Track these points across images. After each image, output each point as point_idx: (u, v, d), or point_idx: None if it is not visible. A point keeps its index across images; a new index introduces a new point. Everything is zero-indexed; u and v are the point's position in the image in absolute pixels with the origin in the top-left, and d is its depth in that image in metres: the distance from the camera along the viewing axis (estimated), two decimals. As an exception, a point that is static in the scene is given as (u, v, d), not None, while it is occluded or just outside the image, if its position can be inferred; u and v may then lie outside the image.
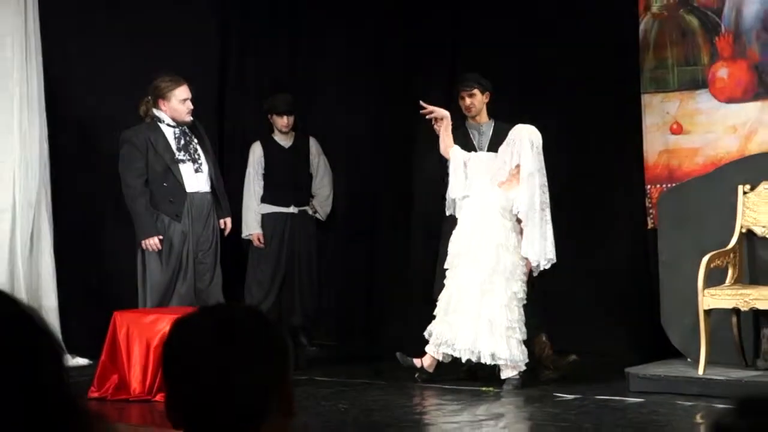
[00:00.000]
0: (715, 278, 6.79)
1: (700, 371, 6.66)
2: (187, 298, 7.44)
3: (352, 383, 7.24)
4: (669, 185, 7.64)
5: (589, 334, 7.74)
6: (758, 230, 6.99)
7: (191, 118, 7.51)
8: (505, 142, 7.12)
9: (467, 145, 7.45)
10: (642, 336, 7.83)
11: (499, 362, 6.88)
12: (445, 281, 7.13)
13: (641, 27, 7.82)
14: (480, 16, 8.66)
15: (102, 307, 7.54)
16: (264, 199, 8.69)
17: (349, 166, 9.21)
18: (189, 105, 7.46)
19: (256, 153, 8.71)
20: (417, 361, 7.18)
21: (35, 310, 1.24)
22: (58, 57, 8.28)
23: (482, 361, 6.90)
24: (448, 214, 7.35)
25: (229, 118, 9.40)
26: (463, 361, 6.98)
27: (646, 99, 7.82)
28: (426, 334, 7.10)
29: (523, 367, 6.93)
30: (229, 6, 9.32)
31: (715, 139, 7.56)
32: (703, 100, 7.61)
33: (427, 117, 7.41)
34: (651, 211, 7.74)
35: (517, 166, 7.04)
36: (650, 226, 7.74)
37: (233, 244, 8.52)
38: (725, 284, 6.86)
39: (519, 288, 6.94)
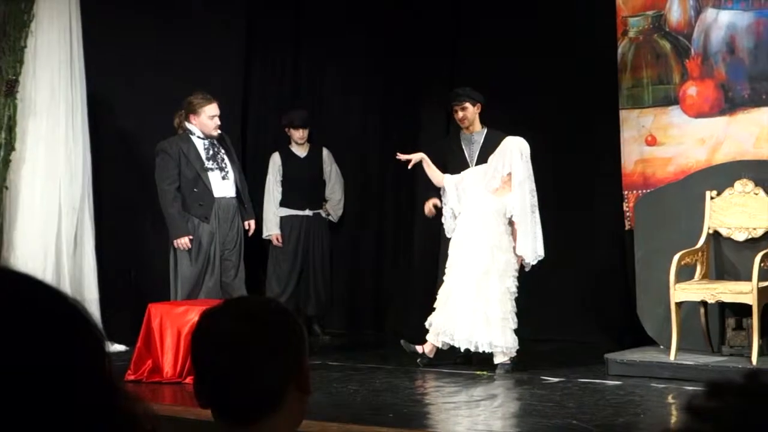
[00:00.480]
0: (685, 274, 6.80)
1: (672, 357, 6.67)
2: (214, 291, 7.46)
3: (361, 367, 7.25)
4: (644, 191, 7.64)
5: (573, 324, 7.76)
6: (723, 231, 7.00)
7: (218, 132, 7.53)
8: (496, 152, 7.13)
9: (460, 158, 7.47)
10: (620, 325, 7.83)
11: (495, 350, 6.90)
12: (444, 277, 7.15)
13: (619, 50, 7.82)
14: (476, 37, 8.67)
15: (138, 300, 7.57)
16: (282, 203, 8.72)
17: (359, 173, 9.22)
18: (216, 121, 7.49)
19: (276, 162, 8.74)
20: (419, 348, 7.20)
21: (80, 303, 1.25)
22: (100, 76, 8.30)
23: (480, 349, 6.92)
24: (448, 236, 7.32)
25: (252, 131, 9.43)
26: (462, 350, 7.00)
27: (624, 114, 7.83)
28: (427, 324, 7.12)
29: (515, 354, 6.95)
30: (252, 34, 9.34)
31: (686, 150, 7.57)
32: (674, 115, 7.61)
33: (408, 166, 7.40)
34: (628, 214, 7.74)
35: (509, 174, 7.06)
36: (627, 227, 7.74)
37: (255, 244, 8.55)
38: (694, 279, 6.87)
39: (511, 283, 6.96)
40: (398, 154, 7.43)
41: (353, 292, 9.29)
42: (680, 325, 6.67)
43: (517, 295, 6.99)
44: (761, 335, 6.49)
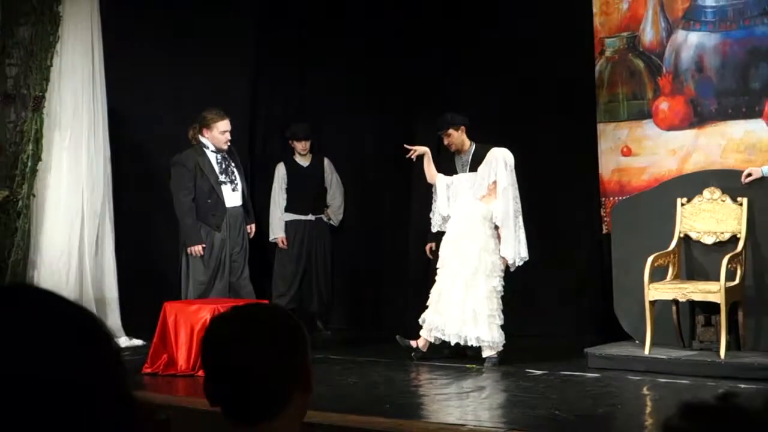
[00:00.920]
0: (658, 274, 6.75)
1: (646, 351, 6.63)
2: (223, 291, 7.47)
3: (360, 361, 7.20)
4: (620, 198, 7.60)
5: (555, 321, 7.72)
6: (693, 235, 6.95)
7: (226, 148, 7.51)
8: (483, 162, 7.11)
9: (451, 167, 7.42)
10: (598, 322, 7.79)
11: (483, 344, 6.85)
12: (436, 277, 7.11)
13: (597, 68, 7.79)
14: (466, 56, 8.64)
15: (154, 298, 7.51)
16: (287, 209, 8.68)
17: (358, 180, 9.19)
18: (227, 136, 7.48)
19: (280, 171, 8.71)
20: (413, 343, 7.15)
21: (99, 318, 1.21)
22: (119, 92, 8.28)
23: (469, 344, 6.87)
24: (434, 231, 7.33)
25: (259, 143, 9.39)
26: (452, 344, 6.96)
27: (601, 127, 7.79)
28: (420, 320, 7.08)
29: (501, 348, 6.90)
30: (259, 53, 9.31)
31: (658, 161, 7.53)
32: (648, 128, 7.57)
33: (411, 157, 7.35)
34: (606, 219, 7.70)
35: (494, 182, 7.03)
36: (605, 231, 7.70)
37: (261, 246, 8.51)
38: (667, 280, 6.82)
39: (498, 283, 6.92)
40: (405, 146, 7.35)
41: (353, 291, 9.25)
42: (654, 322, 6.63)
43: (503, 293, 6.95)
44: (728, 331, 6.44)
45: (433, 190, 7.36)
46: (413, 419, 5.40)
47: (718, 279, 6.43)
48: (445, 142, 7.40)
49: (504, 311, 6.93)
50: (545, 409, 5.55)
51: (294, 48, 9.42)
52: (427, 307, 7.09)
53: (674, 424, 1.05)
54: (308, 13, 9.27)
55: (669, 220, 6.97)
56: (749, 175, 6.75)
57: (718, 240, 6.86)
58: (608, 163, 7.75)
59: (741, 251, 6.66)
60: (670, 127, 7.49)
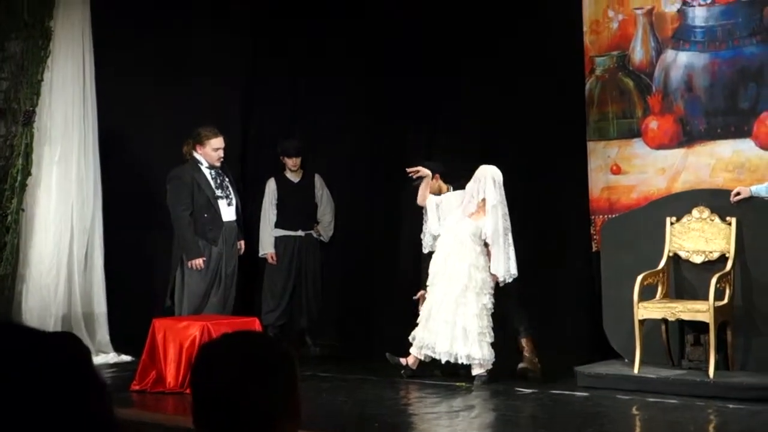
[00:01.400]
0: (647, 293, 6.74)
1: (636, 370, 6.61)
2: (218, 306, 7.50)
3: (350, 378, 7.16)
4: (610, 216, 7.60)
5: (544, 339, 7.66)
6: (683, 254, 6.95)
7: (218, 164, 7.56)
8: (472, 179, 7.10)
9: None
10: (588, 340, 7.77)
11: (473, 362, 6.83)
12: (426, 295, 7.09)
13: (587, 86, 7.80)
14: (457, 73, 8.64)
15: (143, 314, 7.47)
16: (277, 225, 8.66)
17: (348, 197, 9.17)
18: (220, 154, 7.53)
19: (271, 187, 8.70)
20: (403, 360, 7.13)
21: (86, 348, 1.22)
22: (110, 107, 8.25)
23: (459, 362, 6.85)
24: (426, 251, 7.32)
25: (250, 158, 9.38)
26: (443, 362, 6.93)
27: (591, 145, 7.80)
28: (410, 338, 7.06)
29: (491, 366, 6.87)
30: (252, 72, 9.31)
31: (648, 179, 7.53)
32: (637, 146, 7.58)
33: (413, 176, 7.35)
34: (595, 237, 7.69)
35: (483, 200, 7.02)
36: (594, 249, 7.69)
37: (251, 262, 8.48)
38: (656, 298, 6.81)
39: (488, 300, 6.91)
40: (408, 168, 7.35)
41: (342, 307, 9.22)
42: (643, 341, 6.62)
43: (493, 311, 6.93)
44: (717, 350, 6.43)
45: (424, 211, 7.37)
46: (402, 439, 5.37)
47: (707, 298, 6.42)
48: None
49: (494, 328, 6.91)
50: (534, 428, 5.53)
51: (286, 64, 9.41)
52: (417, 325, 7.06)
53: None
54: (300, 30, 9.27)
55: (658, 238, 6.96)
56: (738, 194, 6.75)
57: (707, 259, 6.85)
58: (598, 181, 7.75)
59: (730, 270, 6.65)
60: (660, 146, 7.50)
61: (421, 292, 7.37)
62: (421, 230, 8.38)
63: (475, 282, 6.88)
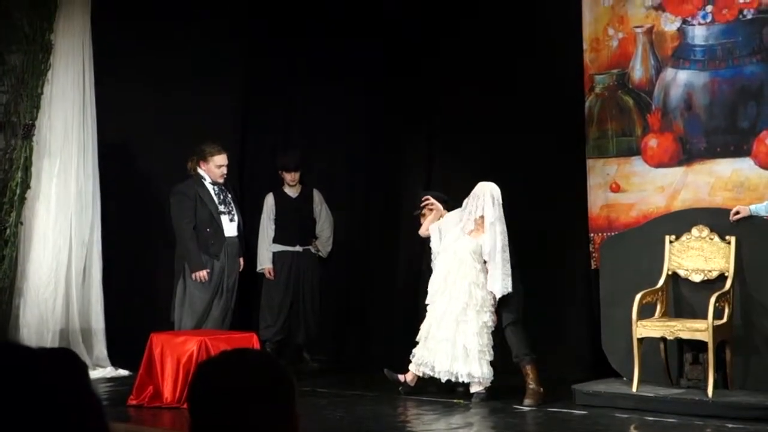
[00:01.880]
0: (646, 312, 6.72)
1: (634, 388, 6.58)
2: (219, 320, 7.53)
3: (347, 394, 7.14)
4: (609, 234, 7.60)
5: (543, 356, 7.64)
6: (682, 273, 6.93)
7: (222, 180, 7.63)
8: (470, 195, 7.07)
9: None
10: (586, 358, 7.76)
11: (473, 380, 6.80)
12: (426, 313, 7.07)
13: (587, 104, 7.81)
14: (455, 93, 8.65)
15: (141, 329, 7.45)
16: (275, 240, 8.64)
17: (347, 212, 9.17)
18: (223, 171, 7.61)
19: (269, 202, 8.69)
20: (401, 377, 7.10)
21: (83, 365, 1.22)
22: (110, 121, 8.25)
23: (459, 380, 6.82)
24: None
25: (248, 173, 9.37)
26: (443, 381, 6.90)
27: (590, 163, 7.80)
28: (411, 356, 7.04)
29: (489, 384, 6.84)
30: (250, 85, 9.31)
31: (647, 197, 7.53)
32: (636, 164, 7.58)
33: (425, 205, 7.32)
34: (594, 254, 7.69)
35: (481, 217, 7.00)
36: (593, 267, 7.68)
37: (249, 277, 8.47)
38: (655, 317, 6.80)
39: (488, 318, 6.88)
40: (424, 196, 7.34)
41: (340, 323, 9.20)
42: (642, 359, 6.60)
43: (493, 329, 6.90)
44: (716, 369, 6.41)
45: (429, 240, 7.31)
46: (400, 456, 5.35)
47: (705, 317, 6.41)
48: (422, 221, 7.41)
49: (493, 347, 6.89)
50: (532, 446, 5.51)
51: (284, 78, 9.42)
52: (417, 342, 7.04)
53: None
54: (298, 43, 9.28)
55: (657, 257, 6.95)
56: (737, 213, 6.75)
57: (706, 278, 6.84)
58: (597, 199, 7.75)
59: (729, 290, 6.64)
60: (659, 164, 7.50)
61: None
62: (416, 247, 8.38)
63: (476, 300, 6.86)
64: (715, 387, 6.36)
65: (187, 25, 8.67)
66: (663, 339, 6.68)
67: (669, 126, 7.47)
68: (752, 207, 6.74)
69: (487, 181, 7.13)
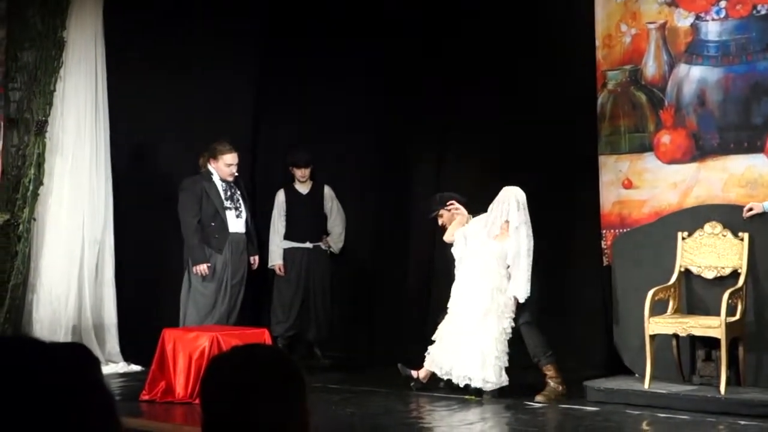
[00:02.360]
0: (658, 308, 6.71)
1: (646, 385, 6.57)
2: (225, 316, 7.55)
3: (359, 390, 7.14)
4: (621, 230, 7.57)
5: (555, 353, 7.64)
6: (694, 269, 6.92)
7: (232, 179, 7.67)
8: (496, 200, 7.04)
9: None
10: (598, 355, 7.74)
11: (486, 386, 6.78)
12: (447, 313, 7.04)
13: (599, 101, 7.78)
14: (467, 89, 8.64)
15: (153, 325, 7.47)
16: (286, 236, 8.66)
17: (359, 208, 9.17)
18: (232, 169, 7.66)
19: (280, 199, 8.70)
20: (414, 373, 7.10)
21: (96, 360, 1.23)
22: (122, 118, 8.28)
23: (473, 385, 6.80)
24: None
25: (260, 169, 9.38)
26: (461, 386, 6.87)
27: (603, 159, 7.77)
28: (426, 353, 7.03)
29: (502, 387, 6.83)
30: (262, 82, 9.32)
31: (659, 194, 7.50)
32: (649, 161, 7.55)
33: (450, 209, 7.27)
34: (606, 251, 7.66)
35: (507, 222, 6.97)
36: (606, 263, 7.65)
37: (258, 273, 8.50)
38: (667, 313, 6.78)
39: (507, 324, 6.86)
40: (449, 200, 7.28)
41: (351, 319, 9.20)
42: (654, 356, 6.58)
43: (511, 335, 6.87)
44: (728, 366, 6.39)
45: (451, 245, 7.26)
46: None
47: (718, 314, 6.39)
48: (439, 222, 7.37)
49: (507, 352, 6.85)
50: (544, 443, 5.50)
51: (296, 74, 9.43)
52: (432, 341, 7.03)
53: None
54: (311, 39, 9.29)
55: (670, 253, 6.93)
56: (750, 209, 6.72)
57: (718, 275, 6.82)
58: (609, 196, 7.72)
59: (742, 286, 6.62)
60: (672, 161, 7.47)
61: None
62: (428, 243, 8.38)
63: (497, 305, 6.84)
64: (727, 384, 6.34)
65: (199, 21, 8.68)
66: (675, 336, 6.67)
67: (682, 122, 7.44)
68: (766, 203, 6.72)
69: (507, 178, 7.11)
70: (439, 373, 6.94)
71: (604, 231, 7.74)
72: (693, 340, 6.69)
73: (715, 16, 7.30)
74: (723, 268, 6.81)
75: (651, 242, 7.10)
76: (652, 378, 6.56)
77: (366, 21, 9.02)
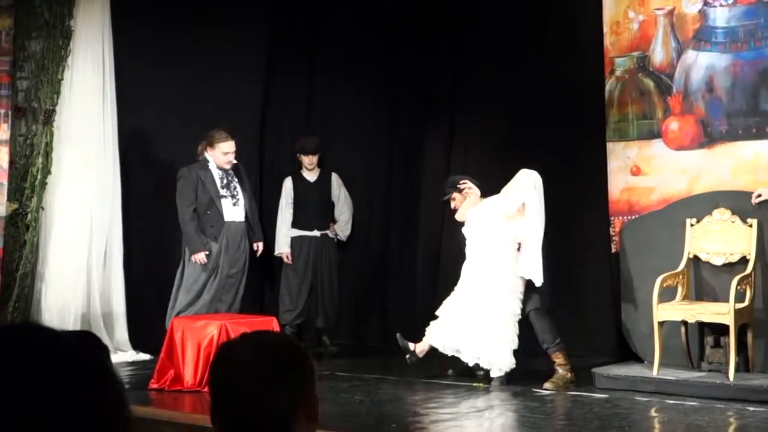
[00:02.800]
0: (667, 295, 6.69)
1: (655, 372, 6.56)
2: (210, 304, 7.45)
3: (367, 378, 7.14)
4: (629, 217, 7.55)
5: (563, 340, 7.63)
6: (703, 256, 6.90)
7: (229, 167, 7.57)
8: (511, 183, 7.01)
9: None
10: (606, 342, 7.73)
11: (493, 367, 6.78)
12: (454, 290, 7.02)
13: (607, 87, 7.75)
14: (475, 75, 8.62)
15: (161, 313, 7.49)
16: (293, 224, 8.66)
17: (366, 196, 9.17)
18: (229, 158, 7.53)
19: (287, 186, 8.70)
20: (412, 346, 7.07)
21: (105, 349, 1.22)
22: (130, 107, 8.27)
23: (482, 365, 6.81)
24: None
25: (268, 158, 9.38)
26: (470, 365, 6.88)
27: (611, 146, 7.74)
28: (427, 328, 7.01)
29: (510, 370, 6.82)
30: (270, 69, 9.30)
31: (668, 181, 7.47)
32: (657, 148, 7.53)
33: (462, 188, 7.26)
34: (614, 238, 7.65)
35: (522, 204, 6.94)
36: (614, 251, 7.64)
37: (267, 263, 8.49)
38: (675, 300, 6.77)
39: (516, 306, 6.84)
40: (461, 180, 7.25)
41: (360, 307, 9.21)
42: (662, 343, 6.57)
43: (520, 317, 6.86)
44: (737, 353, 6.38)
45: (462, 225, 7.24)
46: (420, 439, 5.35)
47: (727, 300, 6.37)
48: (452, 206, 7.34)
49: (519, 336, 6.84)
50: (552, 430, 5.49)
51: (304, 62, 9.42)
52: (436, 317, 7.01)
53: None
54: (319, 28, 9.27)
55: (678, 240, 6.91)
56: (759, 195, 6.70)
57: (727, 261, 6.80)
58: (617, 183, 7.70)
59: (750, 273, 6.60)
60: (680, 147, 7.44)
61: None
62: (437, 228, 8.36)
63: (506, 286, 6.82)
64: (736, 370, 6.33)
65: (207, 10, 8.67)
66: (684, 322, 6.65)
67: (690, 109, 7.41)
68: (774, 189, 6.69)
69: (515, 164, 7.09)
70: (441, 350, 6.92)
71: (612, 218, 7.72)
72: (702, 326, 6.68)
73: (723, 2, 7.27)
74: (731, 254, 6.79)
75: (659, 229, 7.08)
76: (661, 365, 6.55)
77: (373, 7, 9.00)
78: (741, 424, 5.63)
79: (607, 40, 7.74)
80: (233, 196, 7.58)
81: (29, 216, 7.69)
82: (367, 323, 9.20)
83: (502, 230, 6.92)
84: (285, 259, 8.60)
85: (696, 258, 6.90)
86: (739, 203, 6.81)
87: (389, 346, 8.39)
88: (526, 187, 6.91)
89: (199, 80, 8.59)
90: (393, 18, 9.02)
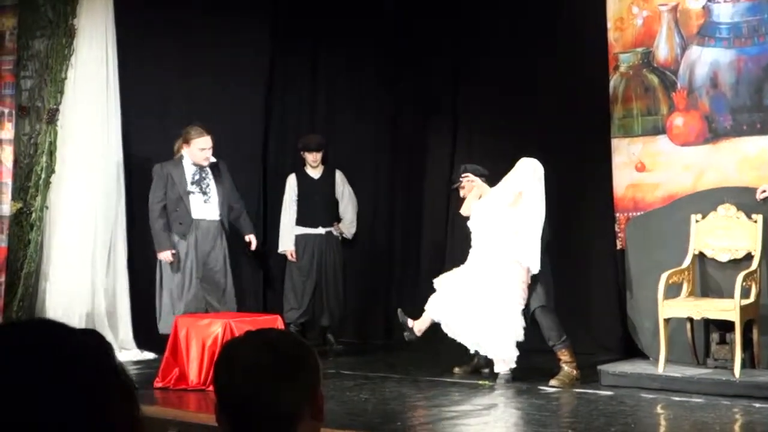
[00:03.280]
0: (672, 291, 6.68)
1: (660, 369, 6.55)
2: (193, 303, 7.42)
3: (372, 376, 7.14)
4: (634, 214, 7.54)
5: (569, 337, 7.62)
6: (708, 252, 6.88)
7: (207, 164, 7.49)
8: (513, 170, 6.99)
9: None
10: (612, 339, 7.72)
11: (496, 357, 6.78)
12: (455, 270, 7.00)
13: (611, 83, 7.74)
14: (477, 71, 8.61)
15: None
16: (297, 222, 8.64)
17: (371, 193, 9.16)
18: (206, 153, 7.46)
19: (291, 183, 8.68)
20: (410, 322, 7.06)
21: (112, 350, 1.22)
22: (134, 105, 8.26)
23: (482, 353, 6.80)
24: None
25: (272, 155, 9.37)
26: (471, 352, 6.87)
27: (615, 142, 7.73)
28: (426, 305, 7.00)
29: (514, 364, 6.81)
30: (274, 68, 9.28)
31: (672, 177, 7.46)
32: (662, 143, 7.51)
33: (464, 183, 7.24)
34: (620, 235, 7.63)
35: (521, 192, 6.93)
36: (619, 247, 7.63)
37: (273, 258, 8.47)
38: (681, 297, 6.75)
39: (520, 296, 6.83)
40: (464, 172, 7.24)
41: (364, 305, 9.20)
42: (668, 339, 6.56)
43: (523, 307, 6.84)
44: (743, 349, 6.37)
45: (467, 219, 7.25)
46: (425, 437, 5.34)
47: (732, 296, 6.35)
48: (461, 194, 7.32)
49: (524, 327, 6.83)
50: (558, 427, 5.48)
51: (308, 59, 9.41)
52: (434, 290, 7.01)
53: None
54: (322, 26, 9.26)
55: (683, 236, 6.90)
56: (764, 191, 6.68)
57: (732, 257, 6.79)
58: (622, 179, 7.69)
59: (756, 269, 6.58)
60: (685, 143, 7.42)
61: None
62: (442, 227, 8.34)
63: (509, 275, 6.80)
64: (742, 367, 6.31)
65: (210, 7, 8.66)
66: (689, 319, 6.64)
67: (694, 104, 7.39)
68: (779, 185, 6.67)
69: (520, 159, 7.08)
70: (440, 322, 6.90)
71: (617, 214, 7.71)
72: (707, 323, 6.67)
73: (728, -2, 7.25)
74: (737, 250, 6.77)
75: (664, 225, 7.07)
76: (667, 361, 6.54)
77: (375, 4, 8.98)
78: (747, 420, 5.61)
79: (611, 36, 7.73)
80: (204, 193, 7.49)
81: (33, 215, 7.68)
82: (372, 321, 9.19)
83: (506, 219, 6.90)
84: (289, 257, 8.58)
85: (701, 254, 6.89)
86: (744, 199, 6.79)
87: (394, 344, 8.41)
88: (525, 173, 6.89)
89: (203, 77, 8.58)
90: (395, 14, 9.00)
